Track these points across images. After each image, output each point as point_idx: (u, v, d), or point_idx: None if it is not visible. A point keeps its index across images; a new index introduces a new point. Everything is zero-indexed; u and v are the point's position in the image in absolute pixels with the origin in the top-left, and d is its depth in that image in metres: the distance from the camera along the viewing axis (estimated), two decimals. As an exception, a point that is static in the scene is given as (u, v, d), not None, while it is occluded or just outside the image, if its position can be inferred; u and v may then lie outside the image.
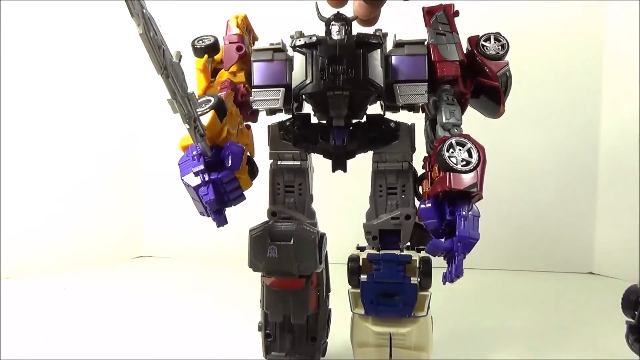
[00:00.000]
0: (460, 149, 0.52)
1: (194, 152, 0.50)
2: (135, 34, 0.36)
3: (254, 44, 0.68)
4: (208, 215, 0.50)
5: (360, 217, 0.65)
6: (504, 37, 0.63)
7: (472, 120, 0.65)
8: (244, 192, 0.52)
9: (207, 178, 0.49)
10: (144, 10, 0.36)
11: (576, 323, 0.89)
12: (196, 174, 0.49)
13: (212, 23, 0.70)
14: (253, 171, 0.57)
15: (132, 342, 0.81)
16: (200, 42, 0.66)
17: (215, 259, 1.38)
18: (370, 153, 0.64)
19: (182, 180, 0.50)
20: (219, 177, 0.49)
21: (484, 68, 0.61)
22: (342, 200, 1.09)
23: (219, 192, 0.49)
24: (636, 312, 0.52)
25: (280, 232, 0.60)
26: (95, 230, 1.40)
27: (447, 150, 0.51)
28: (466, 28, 0.64)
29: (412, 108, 0.63)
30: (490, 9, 1.19)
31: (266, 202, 0.66)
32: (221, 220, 0.50)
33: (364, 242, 0.65)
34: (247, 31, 0.67)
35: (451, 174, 0.50)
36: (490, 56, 0.62)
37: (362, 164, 0.65)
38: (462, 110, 0.61)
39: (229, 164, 0.50)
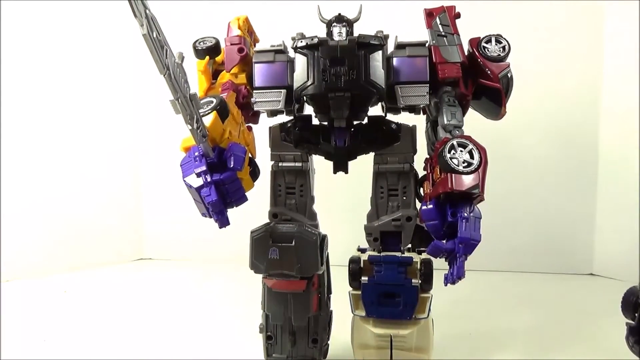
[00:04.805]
0: (461, 151, 0.51)
1: (196, 153, 0.50)
2: (137, 34, 0.36)
3: (255, 46, 0.68)
4: (210, 217, 0.50)
5: (361, 218, 0.65)
6: (505, 38, 0.62)
7: (473, 122, 0.65)
8: (245, 193, 0.52)
9: (209, 179, 0.48)
10: (147, 11, 0.36)
11: (576, 324, 0.89)
12: (198, 175, 0.49)
13: (213, 25, 0.70)
14: (255, 172, 0.57)
15: (133, 344, 0.80)
16: (201, 43, 0.66)
17: (216, 261, 1.37)
18: (371, 154, 0.64)
19: (184, 181, 0.50)
20: (221, 179, 0.49)
21: (485, 70, 0.61)
22: (343, 202, 1.08)
23: (221, 193, 0.49)
24: (636, 314, 0.52)
25: (281, 233, 0.59)
26: (96, 233, 1.40)
27: (449, 152, 0.51)
28: (467, 30, 0.64)
29: (413, 109, 0.62)
30: (491, 10, 1.19)
31: (267, 204, 0.65)
32: (224, 221, 0.50)
33: (365, 244, 0.65)
34: (248, 33, 0.67)
35: (453, 175, 0.50)
36: (492, 58, 0.61)
37: (363, 165, 0.65)
38: (464, 112, 0.61)
39: (232, 165, 0.50)
